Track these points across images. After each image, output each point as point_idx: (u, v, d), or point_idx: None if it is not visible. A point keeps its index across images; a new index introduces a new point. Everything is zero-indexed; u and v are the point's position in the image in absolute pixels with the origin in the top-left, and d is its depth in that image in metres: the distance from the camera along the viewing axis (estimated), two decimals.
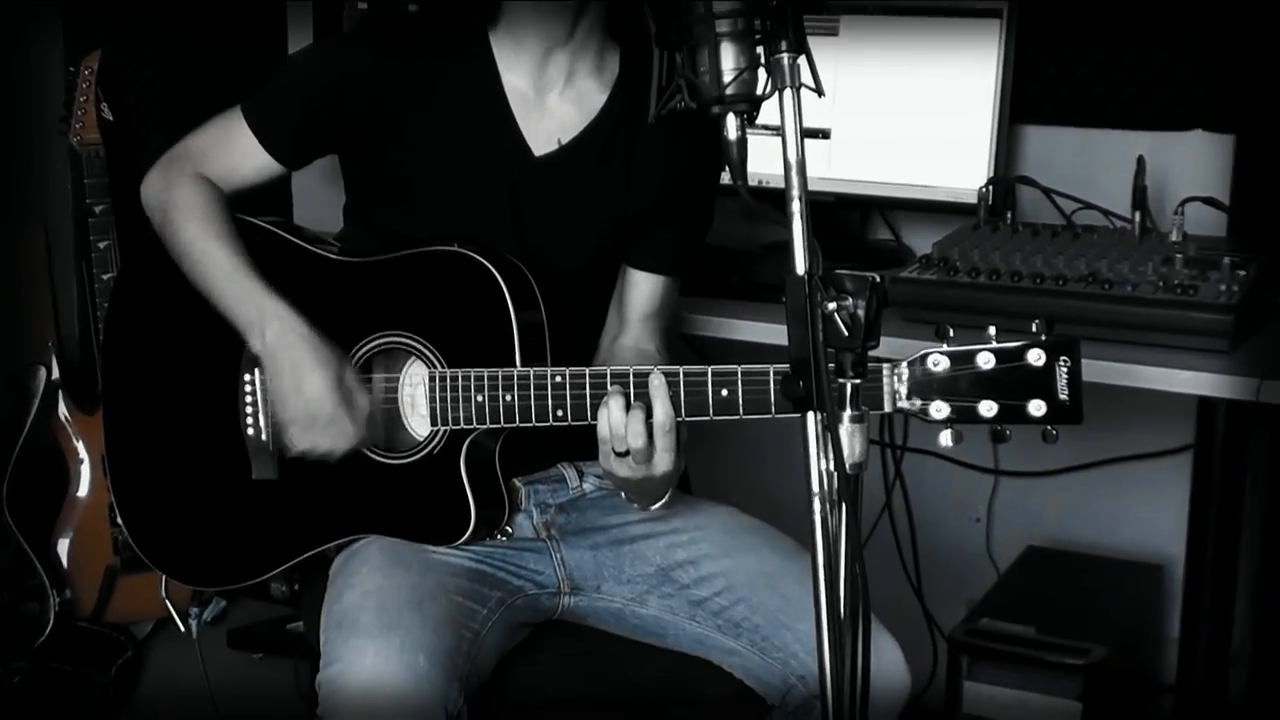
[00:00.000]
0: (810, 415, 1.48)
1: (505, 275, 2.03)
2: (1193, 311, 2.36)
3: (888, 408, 1.76)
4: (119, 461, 2.34)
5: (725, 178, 1.80)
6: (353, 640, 1.94)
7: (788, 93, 1.51)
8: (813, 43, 1.54)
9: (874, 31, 2.90)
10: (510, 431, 2.06)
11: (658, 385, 1.90)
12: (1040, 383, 1.70)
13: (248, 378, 2.19)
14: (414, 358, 2.10)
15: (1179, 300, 2.38)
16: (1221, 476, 2.61)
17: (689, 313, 2.60)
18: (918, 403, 1.74)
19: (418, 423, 2.12)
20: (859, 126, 2.94)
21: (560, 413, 1.98)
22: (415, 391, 2.11)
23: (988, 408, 1.71)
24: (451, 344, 2.05)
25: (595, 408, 1.94)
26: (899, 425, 3.17)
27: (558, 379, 1.97)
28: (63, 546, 3.33)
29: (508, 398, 2.00)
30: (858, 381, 1.49)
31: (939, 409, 1.73)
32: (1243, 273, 2.43)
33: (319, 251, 2.19)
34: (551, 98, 2.15)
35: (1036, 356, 1.70)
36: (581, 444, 1.99)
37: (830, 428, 1.47)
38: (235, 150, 2.18)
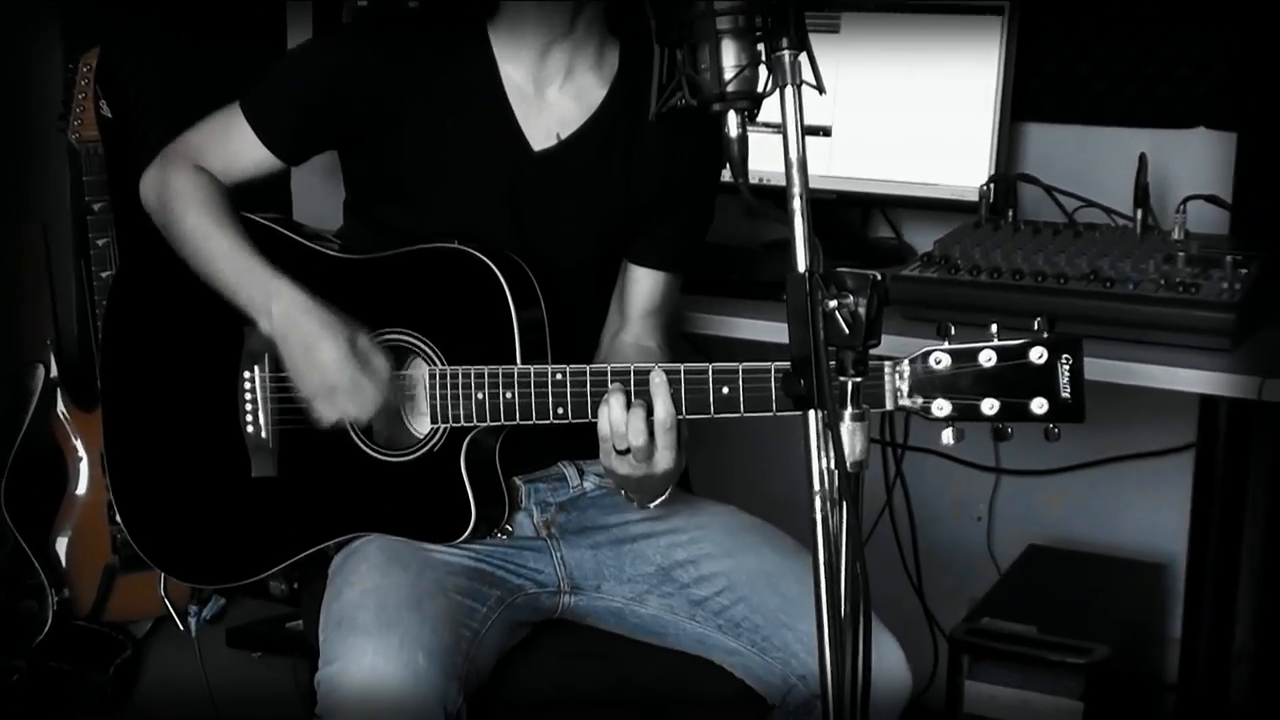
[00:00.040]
0: (811, 413, 1.47)
1: (506, 272, 2.03)
2: (1195, 310, 2.35)
3: (889, 405, 1.76)
4: (118, 460, 2.34)
5: (726, 175, 1.80)
6: (352, 639, 1.93)
7: (789, 90, 1.50)
8: (814, 40, 1.53)
9: (875, 29, 2.89)
10: (510, 429, 2.06)
11: (659, 383, 1.89)
12: (1042, 380, 1.70)
13: (247, 375, 2.19)
14: (414, 355, 2.09)
15: (1181, 298, 2.37)
16: (1223, 475, 2.59)
17: (690, 311, 2.60)
18: (919, 400, 1.74)
19: (417, 420, 2.11)
20: (860, 124, 2.93)
21: (561, 410, 1.97)
22: (415, 389, 2.10)
23: (990, 405, 1.71)
24: (452, 341, 2.05)
25: (596, 405, 1.94)
26: (900, 424, 3.17)
27: (558, 376, 1.97)
28: (61, 545, 3.32)
29: (508, 395, 1.99)
30: (859, 380, 1.49)
31: (941, 407, 1.73)
32: (1245, 271, 2.42)
33: (319, 248, 2.19)
34: (551, 92, 2.15)
35: (1039, 354, 1.69)
36: (582, 442, 1.99)
37: (831, 426, 1.46)
38: (234, 145, 2.18)
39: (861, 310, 1.48)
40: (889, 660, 2.01)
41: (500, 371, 2.00)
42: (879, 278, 1.50)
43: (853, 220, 3.11)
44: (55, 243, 3.48)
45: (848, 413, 1.48)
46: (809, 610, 1.48)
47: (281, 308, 2.06)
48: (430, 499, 2.08)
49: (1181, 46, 2.88)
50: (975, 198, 2.78)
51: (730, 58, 1.54)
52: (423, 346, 2.07)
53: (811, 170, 1.50)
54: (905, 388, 1.75)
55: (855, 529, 1.46)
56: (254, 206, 2.22)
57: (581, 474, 2.24)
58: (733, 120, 1.55)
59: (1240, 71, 2.83)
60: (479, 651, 2.02)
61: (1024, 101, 2.95)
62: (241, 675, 3.31)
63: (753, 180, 1.56)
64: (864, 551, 1.48)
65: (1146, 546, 3.06)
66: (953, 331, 1.71)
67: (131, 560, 3.24)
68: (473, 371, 2.01)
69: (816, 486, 1.47)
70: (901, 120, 2.90)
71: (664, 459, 1.92)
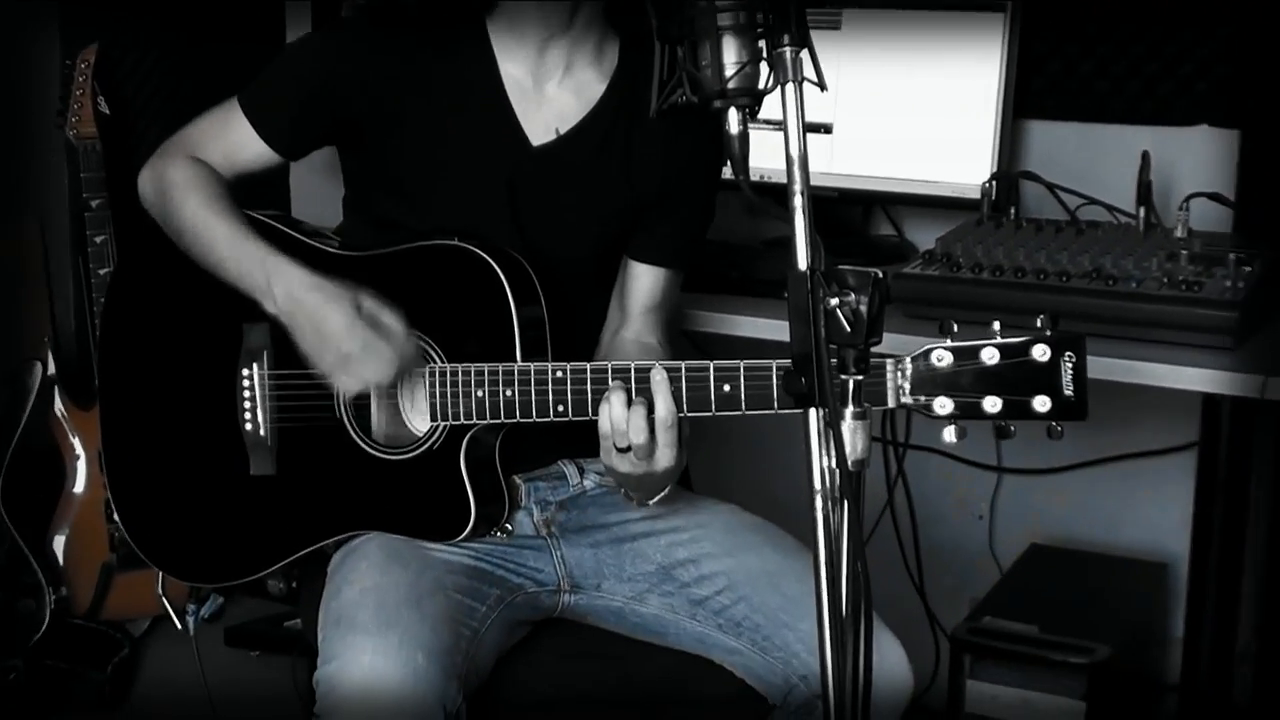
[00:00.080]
0: (812, 411, 1.47)
1: (506, 269, 2.03)
2: (1198, 308, 2.35)
3: (891, 403, 1.76)
4: (115, 457, 2.34)
5: (727, 172, 1.79)
6: (351, 638, 1.93)
7: (790, 87, 1.50)
8: (815, 37, 1.53)
9: (877, 26, 2.89)
10: (510, 427, 2.06)
11: (659, 380, 1.89)
12: (1045, 378, 1.69)
13: (245, 372, 2.18)
14: None
15: (1184, 296, 2.36)
16: (1226, 474, 2.60)
17: (690, 308, 2.60)
18: (921, 398, 1.74)
19: (417, 418, 2.11)
20: (861, 121, 2.93)
21: (561, 408, 1.97)
22: (415, 387, 2.09)
23: (992, 403, 1.70)
24: (452, 339, 2.05)
25: (596, 403, 1.93)
26: (901, 422, 3.17)
27: (558, 374, 1.96)
28: (59, 543, 3.32)
29: (508, 393, 1.99)
30: (860, 378, 1.48)
31: (943, 404, 1.72)
32: (1248, 269, 2.42)
33: (318, 245, 2.18)
34: (550, 87, 2.14)
35: (1041, 352, 1.69)
36: (582, 440, 1.98)
37: (832, 424, 1.46)
38: (232, 139, 2.18)
39: (863, 308, 1.47)
40: (890, 660, 2.01)
41: (500, 369, 1.99)
42: (880, 275, 1.49)
43: (854, 218, 3.10)
44: (53, 240, 3.48)
45: (849, 411, 1.48)
46: (810, 609, 1.47)
47: (283, 287, 2.05)
48: (430, 497, 2.08)
49: (1184, 44, 2.88)
50: (977, 195, 2.77)
51: (731, 54, 1.54)
52: (422, 344, 2.06)
53: (813, 167, 1.50)
54: (907, 385, 1.74)
55: (856, 528, 1.46)
56: (253, 204, 2.21)
57: (582, 472, 2.24)
58: (734, 117, 1.55)
59: (1243, 69, 2.82)
60: (479, 650, 2.02)
61: (1026, 99, 2.95)
62: (240, 674, 3.31)
63: (754, 177, 1.55)
64: (865, 550, 1.47)
65: (1149, 546, 3.06)
66: (955, 329, 1.70)
67: (129, 558, 3.24)
68: (473, 369, 2.01)
69: (817, 485, 1.46)
70: (903, 118, 2.89)
71: (665, 457, 1.91)
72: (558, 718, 2.13)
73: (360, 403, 2.12)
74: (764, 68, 1.54)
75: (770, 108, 1.54)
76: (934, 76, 2.85)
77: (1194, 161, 2.87)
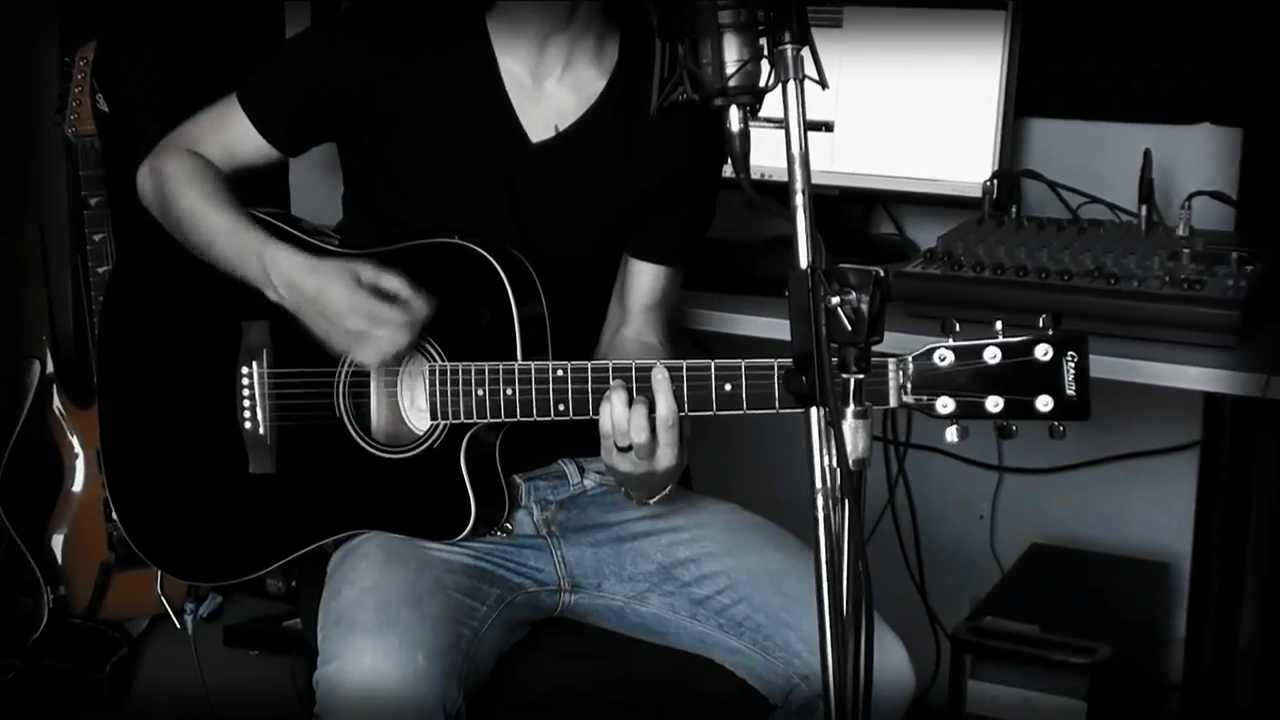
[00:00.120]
0: (813, 410, 1.46)
1: (506, 267, 2.02)
2: (1200, 307, 2.34)
3: (893, 403, 1.75)
4: (114, 456, 2.33)
5: (727, 170, 1.79)
6: (351, 638, 1.93)
7: (791, 85, 1.50)
8: (816, 34, 1.53)
9: (878, 24, 2.88)
10: (510, 426, 2.05)
11: (660, 379, 1.88)
12: (1047, 378, 1.69)
13: (245, 370, 2.18)
14: (414, 351, 2.08)
15: (1186, 295, 2.36)
16: (1228, 474, 2.60)
17: (690, 307, 2.59)
18: (923, 398, 1.73)
19: (417, 417, 2.10)
20: (863, 119, 2.92)
21: (562, 407, 1.96)
22: (415, 385, 2.09)
23: (994, 403, 1.70)
24: (452, 337, 2.04)
25: (597, 402, 1.93)
26: (902, 421, 3.16)
27: (559, 373, 1.96)
28: (57, 542, 3.32)
29: (509, 392, 1.98)
30: (861, 377, 1.48)
31: (945, 404, 1.72)
32: (1250, 268, 2.41)
33: (318, 243, 2.18)
34: (549, 84, 2.14)
35: (1044, 352, 1.69)
36: (582, 439, 1.98)
37: (833, 423, 1.45)
38: (231, 135, 2.18)
39: (864, 307, 1.47)
40: (892, 659, 2.01)
41: (501, 368, 1.99)
42: (881, 274, 1.49)
43: (855, 216, 3.10)
44: (51, 238, 3.48)
45: (850, 410, 1.47)
46: (811, 609, 1.47)
47: (280, 276, 2.05)
48: (430, 496, 2.07)
49: (1186, 42, 2.87)
50: (979, 193, 2.77)
51: (732, 52, 1.54)
52: (422, 342, 2.05)
53: (814, 166, 1.49)
54: (909, 385, 1.74)
55: (857, 527, 1.46)
56: (252, 201, 2.21)
57: (582, 471, 2.23)
58: (734, 115, 1.55)
59: (1246, 67, 2.82)
60: (479, 650, 2.01)
61: (1028, 97, 2.94)
62: (239, 674, 3.30)
63: (754, 176, 1.55)
64: (866, 550, 1.47)
65: (1151, 545, 3.06)
66: (957, 329, 1.70)
67: (128, 557, 3.23)
68: (473, 368, 2.00)
69: (818, 484, 1.46)
70: (904, 116, 2.89)
71: (666, 456, 1.91)
72: (558, 718, 2.13)
73: (360, 401, 2.12)
74: (765, 65, 1.54)
75: (771, 106, 1.54)
76: (935, 74, 2.85)
77: (1196, 160, 2.86)
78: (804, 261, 1.47)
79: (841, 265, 1.48)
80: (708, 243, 2.34)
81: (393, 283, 2.01)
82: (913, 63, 2.86)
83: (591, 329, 2.25)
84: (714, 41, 1.54)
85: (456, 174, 2.13)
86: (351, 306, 1.99)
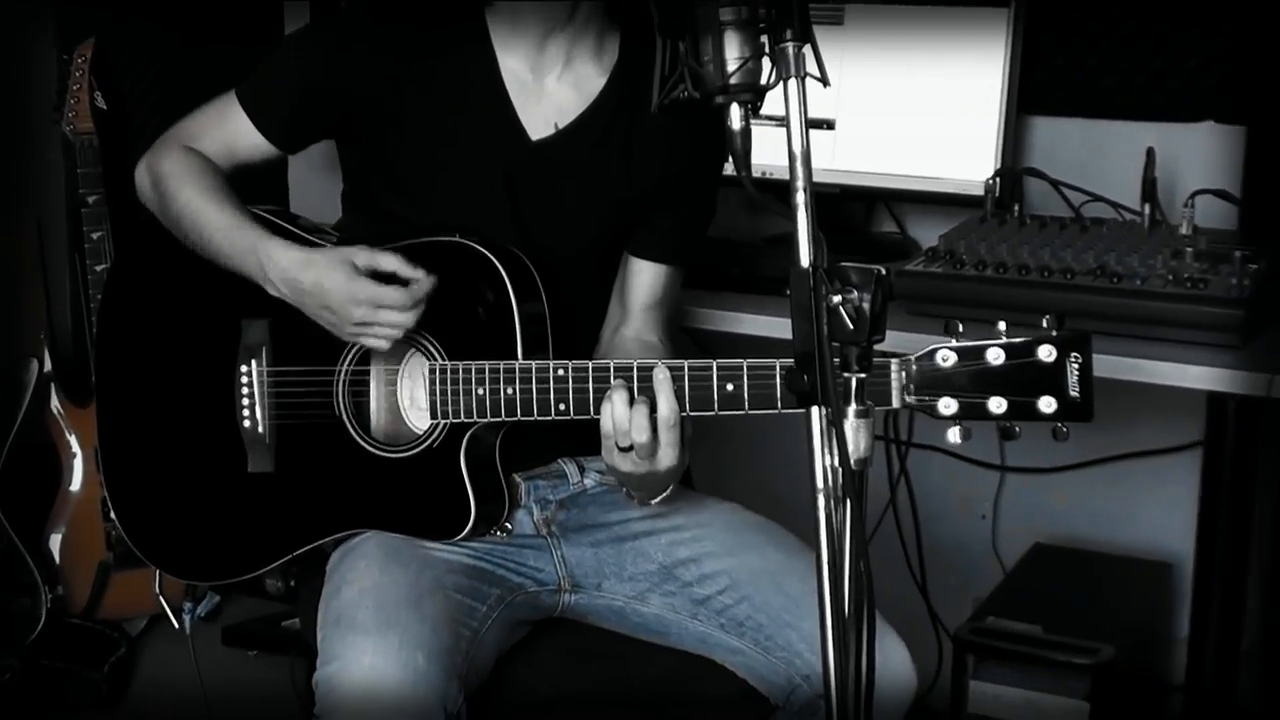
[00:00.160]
0: (815, 410, 1.46)
1: (506, 265, 2.02)
2: (1203, 306, 2.34)
3: (896, 403, 1.75)
4: (112, 455, 2.33)
5: (728, 168, 1.79)
6: (350, 638, 1.92)
7: (792, 82, 1.50)
8: (817, 32, 1.53)
9: (880, 21, 2.88)
10: (510, 426, 2.05)
11: (662, 379, 1.88)
12: (1051, 379, 1.68)
13: (244, 369, 2.18)
14: (414, 350, 2.08)
15: (1189, 294, 2.35)
16: (1232, 473, 2.59)
17: (691, 306, 2.59)
18: (926, 399, 1.72)
19: (417, 416, 2.10)
20: (864, 117, 2.92)
21: (562, 406, 1.96)
22: (415, 384, 2.08)
23: (997, 404, 1.69)
24: (452, 336, 2.04)
25: (598, 402, 1.92)
26: (904, 420, 3.16)
27: (560, 372, 1.95)
28: (55, 542, 3.32)
29: (509, 391, 1.98)
30: (862, 376, 1.47)
31: (947, 405, 1.71)
32: (1254, 266, 2.41)
33: (317, 241, 2.17)
34: (549, 81, 2.13)
35: (1047, 352, 1.68)
36: (583, 439, 1.98)
37: (835, 423, 1.45)
38: (230, 131, 2.18)
39: (865, 305, 1.46)
40: (893, 659, 2.00)
41: (501, 367, 1.99)
42: (883, 272, 1.48)
43: (857, 214, 3.09)
44: (49, 236, 3.48)
45: (851, 409, 1.47)
46: (812, 609, 1.47)
47: (278, 270, 2.05)
48: (429, 496, 2.07)
49: (1190, 39, 2.87)
50: (981, 192, 2.76)
51: (733, 50, 1.54)
52: (423, 341, 2.05)
53: (815, 164, 1.49)
54: (911, 385, 1.73)
55: (859, 527, 1.46)
56: (251, 199, 2.21)
57: (582, 471, 2.23)
58: (735, 113, 1.55)
59: (1249, 65, 2.81)
60: (479, 651, 2.01)
61: (1030, 94, 2.93)
62: (237, 674, 3.30)
63: (755, 174, 1.55)
64: (868, 550, 1.47)
65: (1153, 545, 3.05)
66: (960, 329, 1.69)
67: (126, 557, 3.23)
68: (473, 367, 2.00)
69: (820, 484, 1.46)
70: (906, 114, 2.88)
71: (667, 456, 1.91)
72: (558, 718, 2.13)
73: (360, 400, 2.11)
74: (766, 63, 1.54)
75: (772, 103, 1.54)
76: (937, 72, 2.84)
77: (1199, 158, 2.86)
78: (805, 260, 1.46)
79: (843, 264, 1.47)
80: (708, 241, 2.33)
81: (390, 261, 2.01)
82: (914, 60, 2.86)
83: (592, 327, 2.24)
84: (715, 39, 1.54)
85: (456, 172, 2.12)
86: (352, 295, 1.99)
